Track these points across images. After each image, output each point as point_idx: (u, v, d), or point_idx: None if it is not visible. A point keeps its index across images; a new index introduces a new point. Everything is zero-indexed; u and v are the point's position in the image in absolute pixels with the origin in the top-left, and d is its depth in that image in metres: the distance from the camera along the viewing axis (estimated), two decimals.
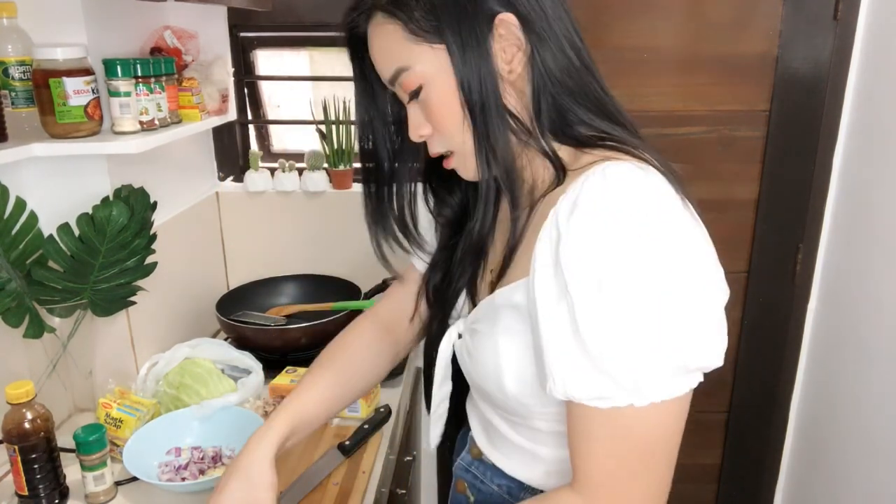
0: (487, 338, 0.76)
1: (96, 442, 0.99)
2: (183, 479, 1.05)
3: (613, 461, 0.66)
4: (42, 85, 1.07)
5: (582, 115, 0.72)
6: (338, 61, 1.75)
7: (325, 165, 1.69)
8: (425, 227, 0.89)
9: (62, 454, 1.02)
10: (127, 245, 1.17)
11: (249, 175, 1.68)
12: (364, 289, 1.58)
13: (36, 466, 0.97)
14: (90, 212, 1.13)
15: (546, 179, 0.74)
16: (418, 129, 0.76)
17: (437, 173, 0.84)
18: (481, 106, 0.69)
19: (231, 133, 1.73)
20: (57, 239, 1.11)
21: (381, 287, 1.57)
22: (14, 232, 1.09)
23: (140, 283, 1.21)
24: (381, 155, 0.83)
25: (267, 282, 1.66)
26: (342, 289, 1.61)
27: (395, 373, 1.39)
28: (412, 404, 1.50)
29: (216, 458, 1.11)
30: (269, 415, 1.05)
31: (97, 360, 1.24)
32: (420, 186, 0.88)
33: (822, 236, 1.67)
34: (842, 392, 1.58)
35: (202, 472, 1.07)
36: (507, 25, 0.68)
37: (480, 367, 0.78)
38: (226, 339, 1.46)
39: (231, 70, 1.57)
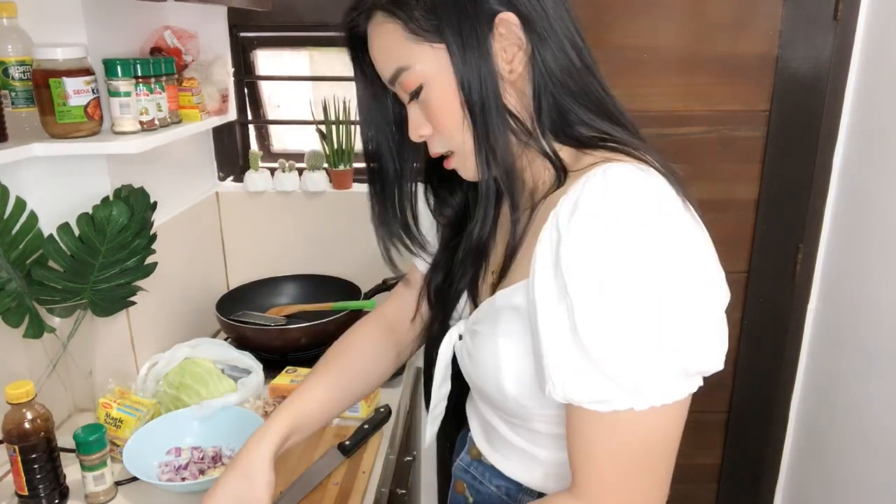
0: (487, 339, 0.76)
1: (96, 442, 0.99)
2: (183, 479, 1.05)
3: (613, 466, 0.66)
4: (42, 85, 1.07)
5: (583, 115, 0.72)
6: (338, 61, 1.75)
7: (325, 165, 1.69)
8: (427, 227, 0.89)
9: (62, 454, 1.02)
10: (127, 245, 1.17)
11: (249, 175, 1.68)
12: (364, 289, 1.58)
13: (36, 466, 0.97)
14: (90, 212, 1.13)
15: (547, 181, 0.74)
16: (418, 130, 0.75)
17: (437, 173, 0.84)
18: (481, 106, 0.69)
19: (231, 133, 1.72)
20: (57, 239, 1.11)
21: (381, 287, 1.57)
22: (14, 232, 1.09)
23: (140, 283, 1.21)
24: (384, 155, 0.83)
25: (267, 282, 1.66)
26: (342, 289, 1.61)
27: (396, 373, 1.38)
28: (412, 404, 1.49)
29: (216, 458, 1.11)
30: (269, 415, 1.05)
31: (97, 360, 1.24)
32: (421, 187, 0.88)
33: (822, 236, 1.67)
34: (842, 392, 1.58)
35: (202, 472, 1.07)
36: (507, 25, 0.68)
37: (480, 369, 0.78)
38: (226, 339, 1.46)
39: (231, 70, 1.57)
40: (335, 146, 1.65)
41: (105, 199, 1.16)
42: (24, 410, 0.95)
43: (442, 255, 0.88)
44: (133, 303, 1.21)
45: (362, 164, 0.88)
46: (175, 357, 1.24)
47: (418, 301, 0.92)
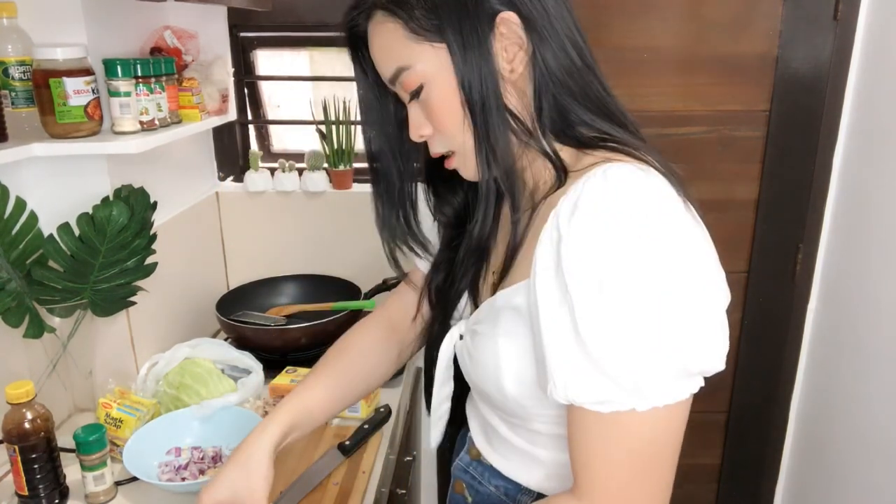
0: (488, 339, 0.75)
1: (96, 442, 0.99)
2: (183, 479, 1.05)
3: (614, 467, 0.66)
4: (42, 85, 1.07)
5: (583, 115, 0.72)
6: (338, 61, 1.75)
7: (325, 165, 1.69)
8: (429, 227, 0.89)
9: (62, 454, 1.02)
10: (127, 245, 1.17)
11: (249, 175, 1.68)
12: (364, 289, 1.58)
13: (36, 466, 0.97)
14: (90, 212, 1.13)
15: (547, 181, 0.74)
16: (419, 129, 0.75)
17: (438, 173, 0.84)
18: (482, 105, 0.69)
19: (231, 133, 1.72)
20: (57, 239, 1.11)
21: (382, 287, 1.57)
22: (14, 232, 1.09)
23: (140, 283, 1.21)
24: (386, 155, 0.83)
25: (267, 282, 1.66)
26: (342, 289, 1.61)
27: (396, 373, 1.38)
28: (412, 404, 1.49)
29: (216, 458, 1.11)
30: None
31: (97, 360, 1.23)
32: (422, 186, 0.87)
33: (822, 236, 1.67)
34: (841, 392, 1.58)
35: (202, 472, 1.07)
36: (508, 24, 0.68)
37: (480, 369, 0.77)
38: (226, 339, 1.46)
39: (231, 70, 1.57)
40: (335, 146, 1.65)
41: (105, 199, 1.16)
42: (24, 410, 0.95)
43: (443, 255, 0.87)
44: (133, 303, 1.21)
45: (362, 165, 0.88)
46: (175, 357, 1.24)
47: (419, 301, 0.92)
